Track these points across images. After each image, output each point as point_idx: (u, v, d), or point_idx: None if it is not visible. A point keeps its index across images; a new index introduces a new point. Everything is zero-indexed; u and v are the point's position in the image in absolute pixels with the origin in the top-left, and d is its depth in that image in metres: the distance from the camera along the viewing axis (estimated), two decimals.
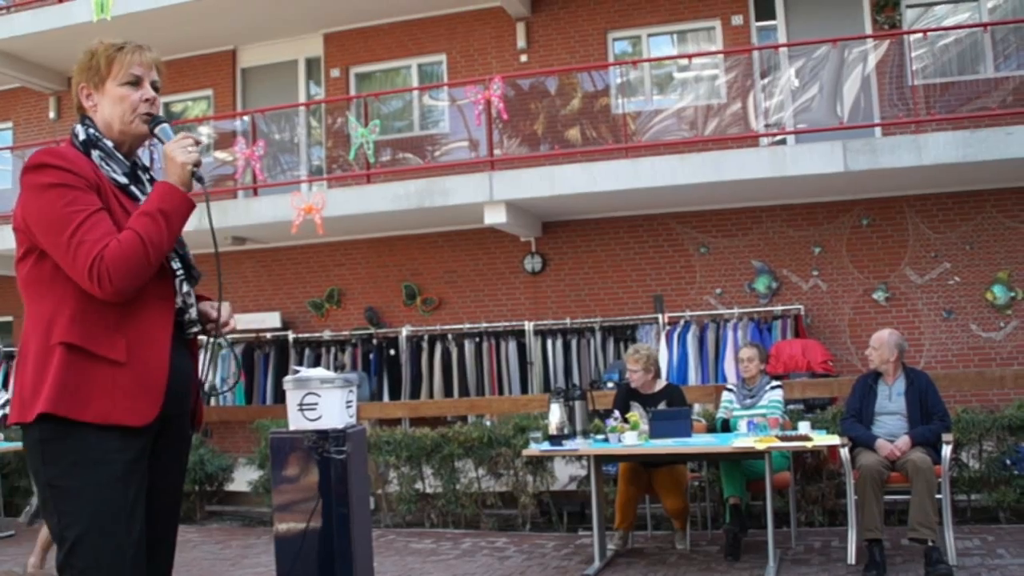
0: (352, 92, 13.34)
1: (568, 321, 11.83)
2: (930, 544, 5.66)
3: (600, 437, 6.57)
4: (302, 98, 13.84)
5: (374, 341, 12.36)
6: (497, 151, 11.40)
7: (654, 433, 6.33)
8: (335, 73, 13.62)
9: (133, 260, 2.51)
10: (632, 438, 6.25)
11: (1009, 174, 10.47)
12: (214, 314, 2.83)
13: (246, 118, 12.49)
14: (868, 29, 11.64)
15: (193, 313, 2.79)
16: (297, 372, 4.29)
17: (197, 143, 2.78)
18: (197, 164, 2.72)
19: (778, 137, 11.19)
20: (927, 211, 11.22)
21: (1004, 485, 7.14)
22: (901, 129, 10.73)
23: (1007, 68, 11.17)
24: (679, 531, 6.78)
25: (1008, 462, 7.16)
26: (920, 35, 11.09)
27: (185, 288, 2.75)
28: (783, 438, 6.09)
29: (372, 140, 11.51)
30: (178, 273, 2.74)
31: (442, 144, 12.70)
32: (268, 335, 12.86)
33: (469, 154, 11.84)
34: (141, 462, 2.59)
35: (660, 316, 11.40)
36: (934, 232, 11.18)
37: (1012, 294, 10.93)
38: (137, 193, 2.74)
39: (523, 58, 12.84)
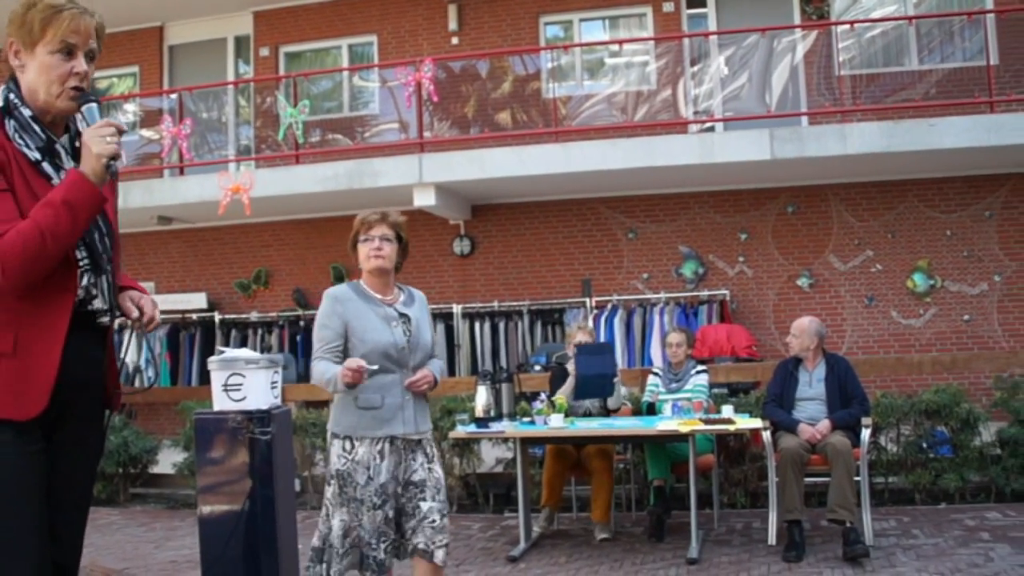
0: (281, 71, 13.18)
1: (496, 304, 11.85)
2: (848, 525, 5.79)
3: (526, 420, 6.60)
4: (231, 76, 13.64)
5: (302, 323, 12.25)
6: (427, 133, 11.37)
7: (580, 367, 6.49)
8: (264, 52, 13.44)
9: (31, 254, 2.37)
10: (558, 421, 6.29)
11: (931, 164, 10.73)
12: (134, 312, 2.72)
13: (173, 96, 12.25)
14: (797, 19, 11.84)
15: (99, 303, 2.66)
16: (222, 352, 4.23)
17: (120, 131, 2.56)
18: (114, 157, 2.51)
19: (707, 124, 11.32)
20: (851, 199, 11.46)
21: (920, 468, 7.32)
22: (827, 118, 10.95)
23: (931, 61, 11.44)
24: (599, 523, 6.72)
25: (924, 445, 7.36)
26: (847, 27, 11.30)
27: (89, 279, 2.60)
28: (707, 421, 6.18)
29: (301, 120, 11.38)
30: (81, 263, 2.58)
31: (372, 125, 12.61)
32: (194, 316, 12.66)
33: (399, 136, 11.79)
34: (32, 453, 2.49)
35: (588, 300, 11.48)
36: (858, 220, 11.42)
37: (932, 282, 11.22)
38: (50, 172, 2.55)
39: (454, 40, 12.80)
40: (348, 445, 3.94)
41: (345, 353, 3.99)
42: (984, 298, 11.20)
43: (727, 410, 6.46)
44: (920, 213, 11.32)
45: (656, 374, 7.30)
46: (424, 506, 3.95)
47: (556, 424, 6.28)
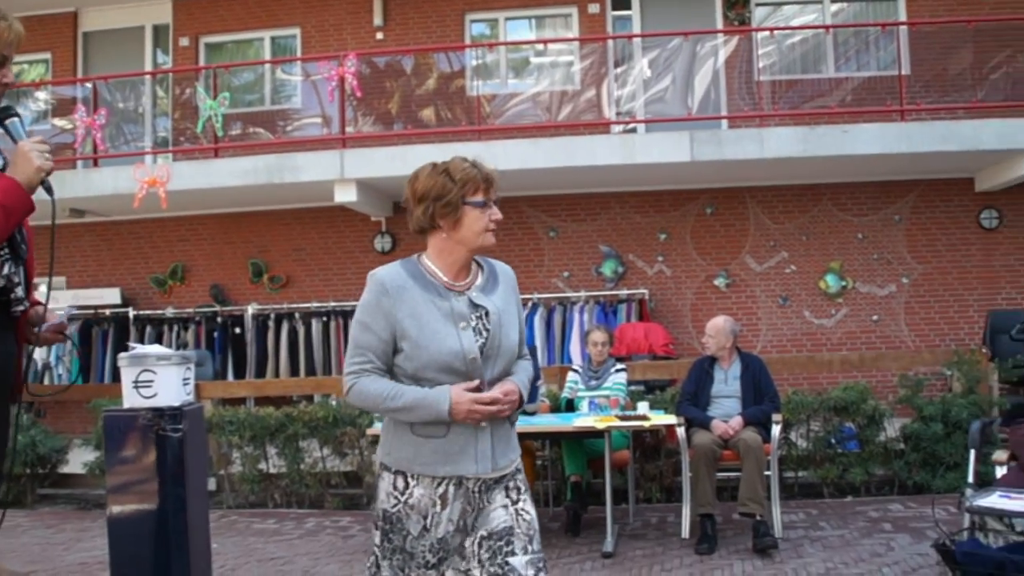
0: (202, 62, 12.96)
1: None
2: (758, 518, 5.95)
3: None
4: (148, 66, 13.36)
5: (219, 319, 12.08)
6: (350, 128, 11.29)
7: None
8: (184, 42, 13.19)
9: None
10: None
11: (844, 170, 11.01)
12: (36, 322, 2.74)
13: (88, 85, 11.96)
14: (719, 24, 12.02)
15: (20, 292, 2.65)
16: (133, 349, 4.17)
17: (51, 151, 2.69)
18: (50, 172, 2.62)
19: (629, 125, 11.45)
20: (768, 202, 11.69)
21: (828, 462, 7.53)
22: (747, 122, 11.15)
23: (848, 69, 11.73)
24: None
25: (833, 441, 7.56)
26: (767, 33, 11.53)
27: (9, 268, 2.62)
28: (622, 418, 6.27)
29: (221, 113, 11.21)
30: (1, 253, 2.61)
31: (294, 119, 12.48)
32: (107, 312, 12.38)
33: (321, 131, 11.69)
34: None
35: None
36: (774, 222, 11.66)
37: (843, 283, 11.51)
38: None
39: (379, 36, 12.73)
40: (401, 483, 2.87)
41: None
42: (892, 299, 11.53)
43: (643, 407, 6.57)
44: (833, 216, 11.61)
45: (576, 371, 7.37)
46: (516, 562, 2.87)
47: None
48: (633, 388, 7.99)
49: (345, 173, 10.65)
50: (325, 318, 11.75)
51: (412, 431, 2.84)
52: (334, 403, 8.58)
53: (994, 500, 3.85)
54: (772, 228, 11.67)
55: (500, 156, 10.53)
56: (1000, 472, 4.81)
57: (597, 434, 6.23)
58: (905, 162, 10.67)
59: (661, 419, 6.40)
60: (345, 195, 10.78)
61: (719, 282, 11.68)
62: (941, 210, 11.63)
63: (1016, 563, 3.52)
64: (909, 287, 11.52)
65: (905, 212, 11.59)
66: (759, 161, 10.35)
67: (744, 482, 6.03)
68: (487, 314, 2.90)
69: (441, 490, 2.84)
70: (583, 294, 11.40)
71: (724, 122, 11.34)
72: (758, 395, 6.45)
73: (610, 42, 11.71)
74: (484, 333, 2.88)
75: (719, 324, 6.63)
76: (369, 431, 6.64)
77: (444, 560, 2.90)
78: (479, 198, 2.87)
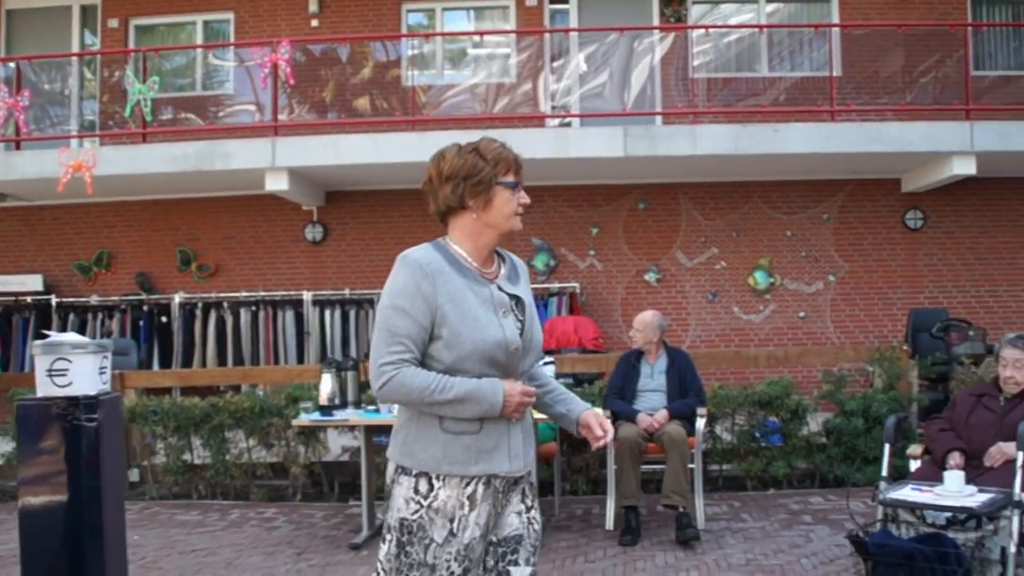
0: (131, 45, 12.68)
1: (347, 292, 11.74)
2: (681, 510, 6.02)
3: (371, 408, 6.58)
4: (75, 47, 13.05)
5: (145, 308, 11.86)
6: (282, 116, 11.16)
7: None
8: (113, 23, 12.90)
9: None
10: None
11: (775, 168, 11.17)
12: None
13: (11, 64, 11.64)
14: (656, 21, 12.10)
15: None
16: (47, 336, 4.08)
17: None
18: None
19: (564, 119, 11.49)
20: (699, 198, 11.82)
21: (752, 456, 7.65)
22: (680, 119, 11.25)
23: (782, 69, 11.91)
24: None
25: (757, 435, 7.69)
26: (703, 31, 11.64)
27: None
28: None
29: (150, 97, 10.99)
30: None
31: (225, 106, 12.30)
32: (28, 299, 12.09)
33: (253, 117, 11.53)
34: None
35: None
36: (705, 218, 11.80)
37: (772, 280, 11.69)
38: None
39: (314, 23, 12.58)
40: (425, 486, 2.64)
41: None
42: (819, 296, 11.74)
43: None
44: (763, 214, 11.77)
45: None
46: (516, 573, 2.75)
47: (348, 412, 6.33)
48: (561, 381, 7.98)
49: (277, 161, 10.52)
50: (254, 308, 11.61)
51: (442, 427, 2.64)
52: (261, 393, 8.48)
53: (906, 493, 3.95)
54: (703, 224, 11.80)
55: (434, 147, 10.21)
56: (915, 466, 4.93)
57: None
58: (834, 162, 10.86)
59: None
60: (276, 183, 10.65)
61: (650, 277, 11.78)
62: (868, 210, 11.86)
63: (925, 553, 3.61)
64: (835, 285, 11.74)
65: (833, 211, 11.80)
66: (691, 158, 10.46)
67: (668, 475, 6.09)
68: (521, 305, 2.78)
69: (470, 490, 2.64)
70: None
71: (658, 118, 11.42)
72: (684, 389, 6.52)
73: (547, 35, 11.73)
74: (519, 324, 2.75)
75: (646, 318, 6.69)
76: (295, 422, 6.58)
77: (468, 571, 2.65)
78: (511, 179, 2.77)
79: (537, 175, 11.43)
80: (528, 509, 2.79)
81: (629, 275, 11.82)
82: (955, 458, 4.58)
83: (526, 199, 2.81)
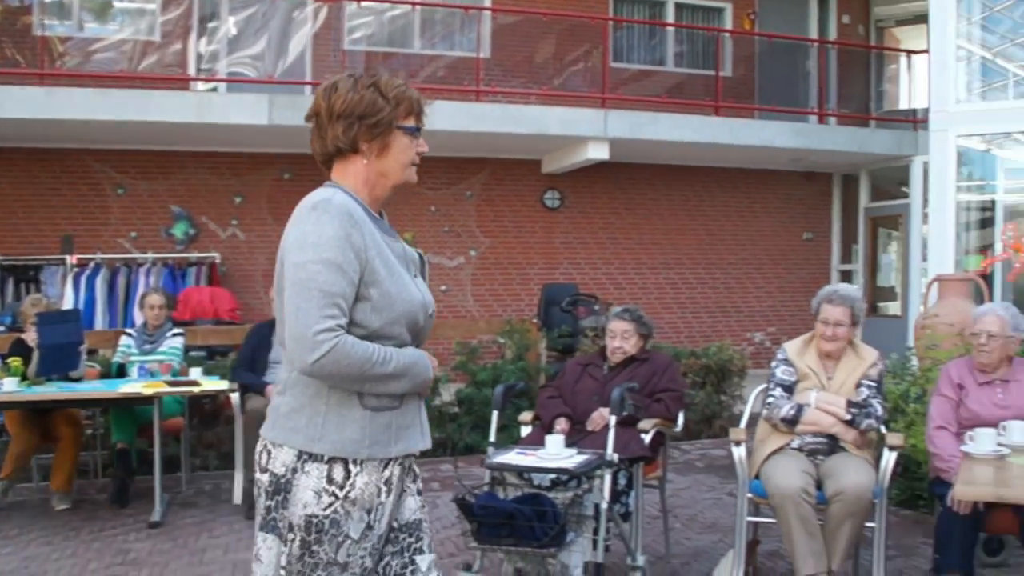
0: None
1: None
2: None
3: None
4: None
5: None
6: None
7: (43, 338, 5.99)
8: None
9: None
10: (11, 384, 5.82)
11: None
12: None
13: None
14: None
15: None
16: None
17: None
18: None
19: (212, 84, 11.09)
20: None
21: None
22: None
23: (442, 48, 12.15)
24: (59, 492, 6.29)
25: None
26: (356, 4, 11.64)
27: None
28: (172, 383, 6.07)
29: None
30: None
31: None
32: None
33: None
34: None
35: (68, 258, 10.70)
36: None
37: (418, 253, 11.91)
38: None
39: None
40: (340, 474, 2.26)
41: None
42: (460, 271, 12.16)
43: (195, 372, 6.39)
44: (408, 188, 11.93)
45: (130, 335, 7.02)
46: (422, 563, 2.46)
47: (10, 388, 5.80)
48: (195, 354, 7.76)
49: None
50: None
51: (362, 404, 2.26)
52: None
53: (511, 457, 4.16)
54: None
55: (65, 105, 9.71)
56: (525, 432, 5.23)
57: (145, 400, 5.97)
58: (478, 141, 11.26)
59: (212, 384, 6.26)
60: None
61: None
62: (510, 188, 12.43)
63: (524, 512, 3.83)
64: (476, 260, 12.21)
65: (476, 188, 12.24)
66: None
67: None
68: (424, 265, 2.51)
69: (387, 474, 2.32)
70: (151, 256, 10.87)
71: (307, 88, 11.28)
72: None
73: None
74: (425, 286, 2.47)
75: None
76: None
77: (378, 562, 2.37)
78: (411, 123, 2.42)
79: (178, 139, 11.00)
80: (419, 491, 2.53)
81: (273, 246, 11.49)
82: (561, 423, 4.90)
83: (424, 147, 2.49)
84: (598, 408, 4.83)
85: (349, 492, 2.24)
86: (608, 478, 4.10)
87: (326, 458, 2.24)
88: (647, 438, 4.59)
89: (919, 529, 5.63)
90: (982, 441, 3.86)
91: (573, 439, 4.60)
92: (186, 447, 7.01)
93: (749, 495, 4.39)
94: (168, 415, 6.42)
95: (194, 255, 11.12)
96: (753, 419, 4.78)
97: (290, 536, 2.27)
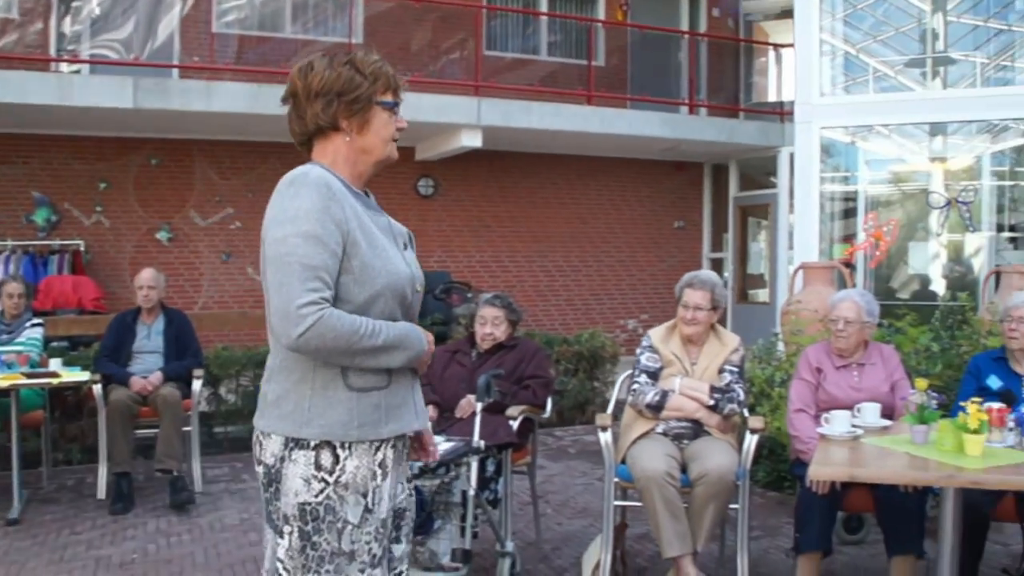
0: None
1: None
2: (175, 474, 5.93)
3: None
4: None
5: None
6: None
7: None
8: None
9: None
10: None
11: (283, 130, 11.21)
12: None
13: None
14: None
15: None
16: None
17: None
18: None
19: (74, 66, 10.73)
20: (215, 157, 11.59)
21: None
22: (198, 74, 10.91)
23: (316, 34, 12.00)
24: None
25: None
26: None
27: None
28: (29, 375, 5.88)
29: None
30: None
31: None
32: None
33: None
34: None
35: None
36: (220, 178, 11.59)
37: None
38: None
39: None
40: (328, 459, 2.21)
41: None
42: None
43: (55, 363, 6.19)
44: (279, 173, 11.58)
45: None
46: (397, 551, 2.42)
47: None
48: (56, 344, 7.51)
49: None
50: None
51: (346, 383, 2.21)
52: None
53: None
54: (219, 183, 11.59)
55: None
56: None
57: (3, 393, 5.76)
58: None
59: (72, 376, 6.08)
60: None
61: (161, 235, 11.36)
62: (383, 175, 12.06)
63: None
64: None
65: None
66: (206, 114, 10.19)
67: (161, 438, 5.97)
68: (411, 241, 2.48)
69: (380, 456, 2.26)
70: (10, 243, 10.43)
71: (175, 72, 11.00)
72: (181, 350, 6.41)
73: None
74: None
75: (145, 276, 6.51)
76: None
77: (386, 552, 2.30)
78: (389, 98, 2.41)
79: (38, 122, 10.58)
80: (409, 479, 2.48)
81: (140, 233, 11.29)
82: (429, 411, 4.94)
83: (403, 123, 2.44)
84: (466, 395, 4.82)
85: (340, 476, 2.20)
86: (475, 465, 4.14)
87: (312, 444, 2.20)
88: (515, 424, 4.65)
89: (783, 510, 5.82)
90: (837, 423, 4.02)
91: (441, 426, 4.64)
92: (47, 441, 6.77)
93: (616, 479, 4.49)
94: (27, 408, 6.20)
95: (56, 242, 10.72)
96: (620, 405, 4.89)
97: (287, 528, 2.24)
